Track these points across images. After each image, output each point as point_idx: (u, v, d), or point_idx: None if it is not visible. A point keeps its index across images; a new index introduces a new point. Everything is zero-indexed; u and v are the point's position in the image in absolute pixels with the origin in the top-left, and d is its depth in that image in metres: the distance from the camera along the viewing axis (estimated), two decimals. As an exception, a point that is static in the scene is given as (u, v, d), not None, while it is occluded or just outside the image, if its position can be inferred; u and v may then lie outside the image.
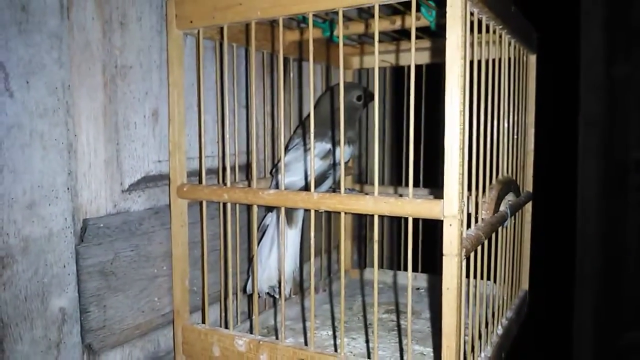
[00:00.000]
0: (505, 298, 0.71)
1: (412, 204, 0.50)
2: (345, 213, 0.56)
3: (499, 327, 0.68)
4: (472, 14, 0.50)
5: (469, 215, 0.54)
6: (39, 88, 0.52)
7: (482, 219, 0.59)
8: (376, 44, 0.52)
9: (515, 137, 0.71)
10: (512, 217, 0.70)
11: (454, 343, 0.49)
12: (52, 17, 0.53)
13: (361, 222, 1.09)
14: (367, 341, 0.70)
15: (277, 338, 0.66)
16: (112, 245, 0.59)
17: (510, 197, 0.69)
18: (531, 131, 0.81)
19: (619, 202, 1.73)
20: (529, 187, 0.82)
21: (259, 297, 0.75)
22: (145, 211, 0.64)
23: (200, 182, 0.64)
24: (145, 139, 0.63)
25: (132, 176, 0.62)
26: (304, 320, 0.77)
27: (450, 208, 0.48)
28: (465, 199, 0.50)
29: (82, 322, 0.57)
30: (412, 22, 0.50)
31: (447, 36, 0.47)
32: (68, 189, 0.55)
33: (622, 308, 1.75)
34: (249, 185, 0.69)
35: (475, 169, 0.56)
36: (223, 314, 0.71)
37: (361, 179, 1.08)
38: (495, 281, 0.65)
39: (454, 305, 0.49)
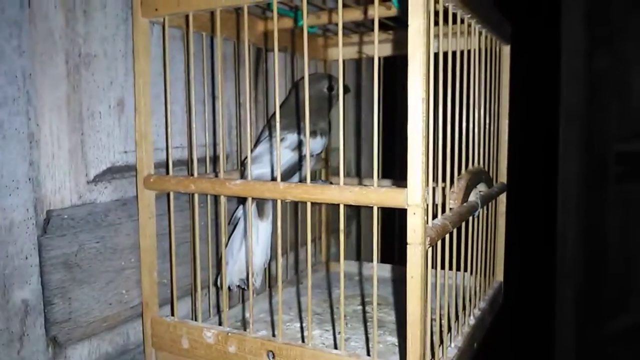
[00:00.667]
0: (477, 288, 0.71)
1: (376, 193, 0.50)
2: (312, 203, 0.56)
3: (471, 317, 0.68)
4: (436, 1, 0.50)
5: (435, 205, 0.54)
6: (-2, 76, 0.51)
7: (450, 208, 0.58)
8: (340, 31, 0.52)
9: (487, 128, 0.71)
10: (484, 208, 0.70)
11: (418, 332, 0.49)
12: (10, 5, 0.51)
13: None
14: (338, 332, 0.70)
15: (245, 330, 0.66)
16: (77, 236, 0.58)
17: (481, 188, 0.69)
18: (505, 122, 0.81)
19: (600, 194, 1.74)
20: (502, 178, 0.82)
21: (230, 290, 0.74)
22: (112, 202, 0.63)
23: (167, 173, 0.63)
24: (110, 129, 0.62)
25: (98, 167, 0.61)
26: (272, 314, 0.77)
27: (414, 196, 0.47)
28: (430, 188, 0.50)
29: (47, 314, 0.56)
30: (375, 9, 0.50)
31: (409, 23, 0.46)
32: (30, 179, 0.54)
33: (602, 300, 1.77)
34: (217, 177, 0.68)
35: (442, 160, 0.55)
36: (194, 307, 0.70)
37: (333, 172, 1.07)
38: (467, 271, 0.65)
39: (418, 294, 0.48)
